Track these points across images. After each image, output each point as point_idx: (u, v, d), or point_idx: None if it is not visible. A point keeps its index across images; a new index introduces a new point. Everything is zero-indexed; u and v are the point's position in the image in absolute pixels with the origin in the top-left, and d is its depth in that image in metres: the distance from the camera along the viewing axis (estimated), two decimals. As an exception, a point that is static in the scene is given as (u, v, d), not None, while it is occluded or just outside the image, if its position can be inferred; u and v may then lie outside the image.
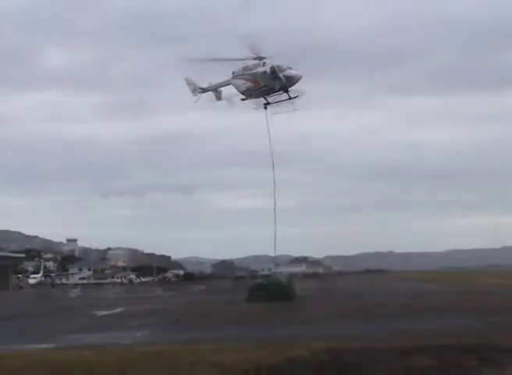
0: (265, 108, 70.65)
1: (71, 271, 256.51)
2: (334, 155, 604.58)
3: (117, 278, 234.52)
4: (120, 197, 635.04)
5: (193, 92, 76.09)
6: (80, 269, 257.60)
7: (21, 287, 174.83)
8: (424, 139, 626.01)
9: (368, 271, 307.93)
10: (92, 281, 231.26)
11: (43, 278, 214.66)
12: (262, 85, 68.86)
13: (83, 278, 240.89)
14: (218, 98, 75.08)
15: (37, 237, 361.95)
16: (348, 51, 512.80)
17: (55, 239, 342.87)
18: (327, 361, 21.96)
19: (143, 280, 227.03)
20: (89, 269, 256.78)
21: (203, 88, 75.48)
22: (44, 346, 30.30)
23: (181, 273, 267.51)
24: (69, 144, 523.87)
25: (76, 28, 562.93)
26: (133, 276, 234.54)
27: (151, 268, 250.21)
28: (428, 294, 78.88)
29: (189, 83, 76.25)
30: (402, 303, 59.98)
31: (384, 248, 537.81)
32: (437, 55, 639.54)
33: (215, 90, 75.02)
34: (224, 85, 73.94)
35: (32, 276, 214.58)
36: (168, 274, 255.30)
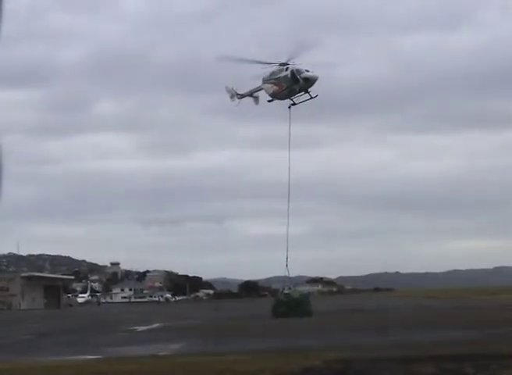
0: (289, 107, 71.14)
1: (114, 291, 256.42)
2: (346, 187, 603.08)
3: (155, 297, 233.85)
4: (157, 225, 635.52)
5: (231, 98, 76.53)
6: (122, 290, 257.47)
7: (70, 305, 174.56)
8: (425, 173, 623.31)
9: (377, 289, 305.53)
10: (133, 300, 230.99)
11: (90, 297, 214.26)
12: (285, 87, 69.66)
13: (125, 297, 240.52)
14: (257, 102, 75.38)
15: (84, 261, 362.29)
16: (359, 95, 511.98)
17: (101, 263, 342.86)
18: (339, 369, 21.88)
19: (178, 298, 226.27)
20: (130, 289, 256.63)
21: (240, 94, 75.87)
22: (91, 357, 30.34)
23: (211, 292, 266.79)
24: (114, 179, 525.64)
25: (122, 79, 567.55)
26: (169, 295, 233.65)
27: (185, 287, 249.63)
28: (428, 308, 78.44)
29: (228, 90, 76.78)
30: (405, 316, 59.65)
31: (391, 269, 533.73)
32: (440, 98, 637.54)
33: (251, 95, 75.34)
34: (257, 90, 74.44)
35: (80, 295, 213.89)
36: (200, 293, 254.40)
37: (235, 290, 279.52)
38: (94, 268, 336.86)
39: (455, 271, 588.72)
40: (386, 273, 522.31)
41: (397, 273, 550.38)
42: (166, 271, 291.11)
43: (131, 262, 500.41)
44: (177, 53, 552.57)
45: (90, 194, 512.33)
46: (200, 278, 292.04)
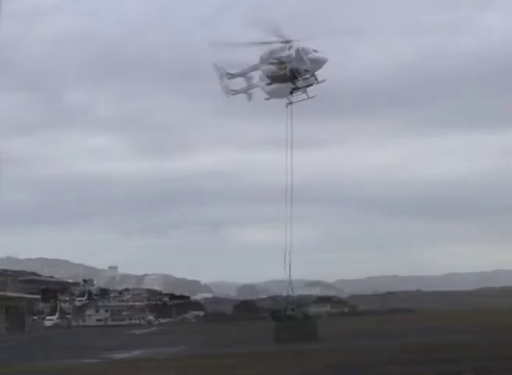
0: (286, 107, 62.67)
1: (87, 312, 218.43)
2: (346, 189, 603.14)
3: (135, 320, 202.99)
4: (156, 229, 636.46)
5: (220, 78, 64.76)
6: (97, 311, 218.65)
7: (37, 330, 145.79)
8: (425, 176, 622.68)
9: (376, 294, 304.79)
10: (109, 323, 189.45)
11: (59, 320, 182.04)
12: (287, 69, 60.35)
13: (101, 320, 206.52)
14: (249, 98, 64.41)
15: (82, 264, 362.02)
16: (364, 95, 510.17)
17: (99, 267, 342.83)
18: (340, 373, 21.92)
19: (162, 321, 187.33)
20: (106, 311, 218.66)
21: (231, 74, 64.62)
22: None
23: (201, 314, 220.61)
24: (112, 182, 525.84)
25: (122, 82, 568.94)
26: (151, 317, 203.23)
27: (171, 308, 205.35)
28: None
29: (217, 68, 64.96)
30: (405, 319, 59.49)
31: (389, 273, 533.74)
32: (442, 100, 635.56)
33: (244, 75, 64.30)
34: (253, 70, 63.70)
35: (48, 318, 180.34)
36: (188, 315, 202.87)
37: (233, 293, 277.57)
38: (92, 272, 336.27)
39: (453, 274, 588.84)
40: (384, 276, 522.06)
41: (395, 276, 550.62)
42: (164, 274, 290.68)
43: (129, 265, 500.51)
44: (177, 55, 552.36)
45: (88, 197, 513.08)
46: (199, 281, 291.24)
